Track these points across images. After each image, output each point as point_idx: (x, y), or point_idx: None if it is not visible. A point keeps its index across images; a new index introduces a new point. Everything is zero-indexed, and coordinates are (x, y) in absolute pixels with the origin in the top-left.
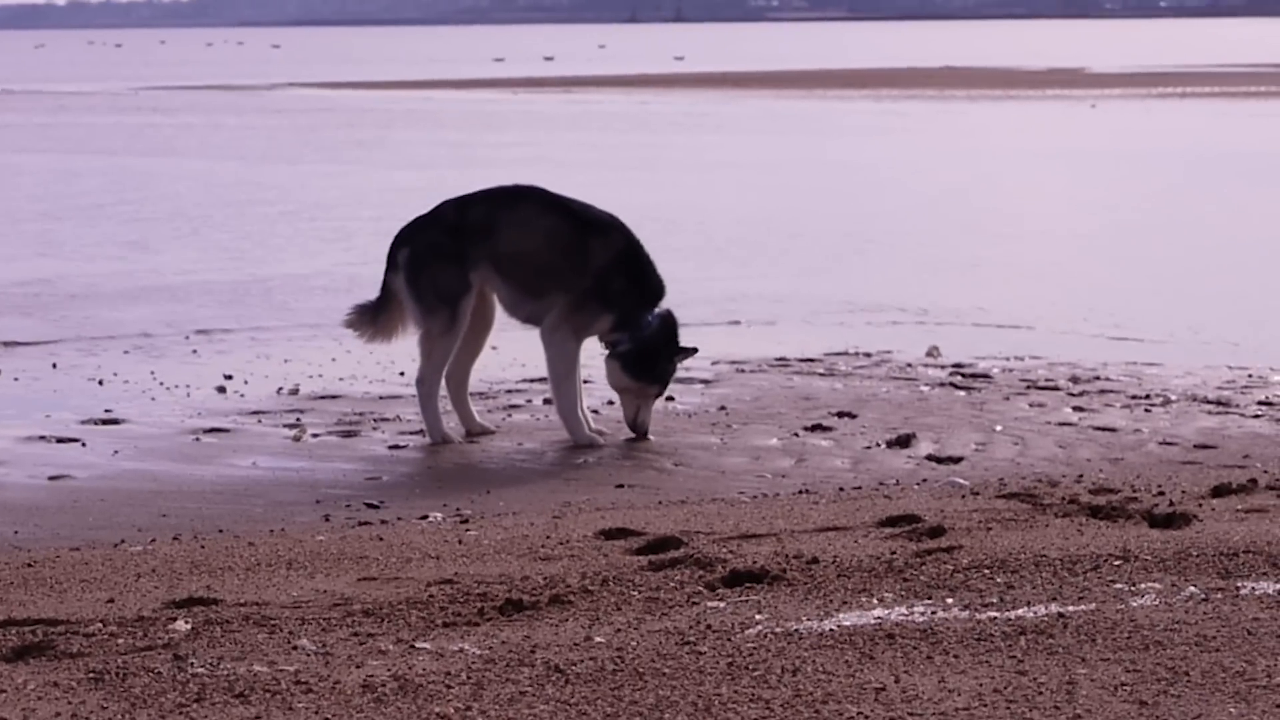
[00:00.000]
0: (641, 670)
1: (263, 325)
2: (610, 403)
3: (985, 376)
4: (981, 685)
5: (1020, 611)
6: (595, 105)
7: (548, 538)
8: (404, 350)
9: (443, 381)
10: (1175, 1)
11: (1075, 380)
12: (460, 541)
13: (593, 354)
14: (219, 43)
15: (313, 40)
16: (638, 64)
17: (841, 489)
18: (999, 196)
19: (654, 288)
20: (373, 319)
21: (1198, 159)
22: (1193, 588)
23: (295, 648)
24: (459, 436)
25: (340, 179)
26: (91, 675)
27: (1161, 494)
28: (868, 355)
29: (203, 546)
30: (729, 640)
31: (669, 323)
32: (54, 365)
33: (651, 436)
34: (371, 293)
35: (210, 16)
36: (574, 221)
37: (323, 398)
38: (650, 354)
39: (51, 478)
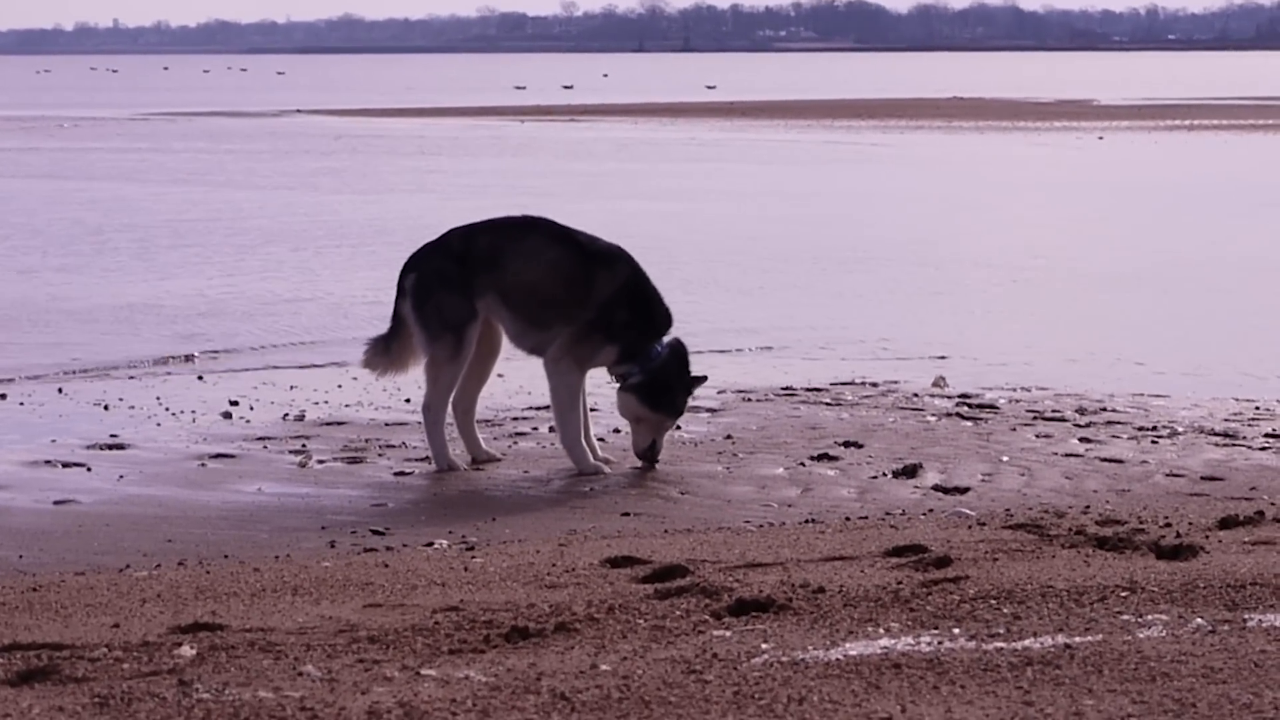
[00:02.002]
0: (647, 699)
1: (269, 348)
2: (616, 430)
3: (992, 407)
4: (988, 716)
5: (1027, 642)
6: (609, 132)
7: (554, 565)
8: (410, 377)
9: (449, 408)
10: (1184, 34)
11: (1082, 411)
12: (466, 568)
13: (599, 382)
14: (221, 70)
15: (318, 67)
16: (655, 93)
17: (848, 519)
18: (1006, 228)
19: (660, 319)
20: (385, 350)
21: (1205, 191)
22: (1200, 619)
23: (300, 674)
24: (464, 464)
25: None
26: (96, 700)
27: (1168, 525)
28: (874, 385)
29: (208, 572)
30: (735, 669)
31: (679, 352)
32: (59, 390)
33: (658, 465)
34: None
35: (219, 43)
36: (579, 253)
37: (329, 424)
38: (663, 384)
39: (57, 502)
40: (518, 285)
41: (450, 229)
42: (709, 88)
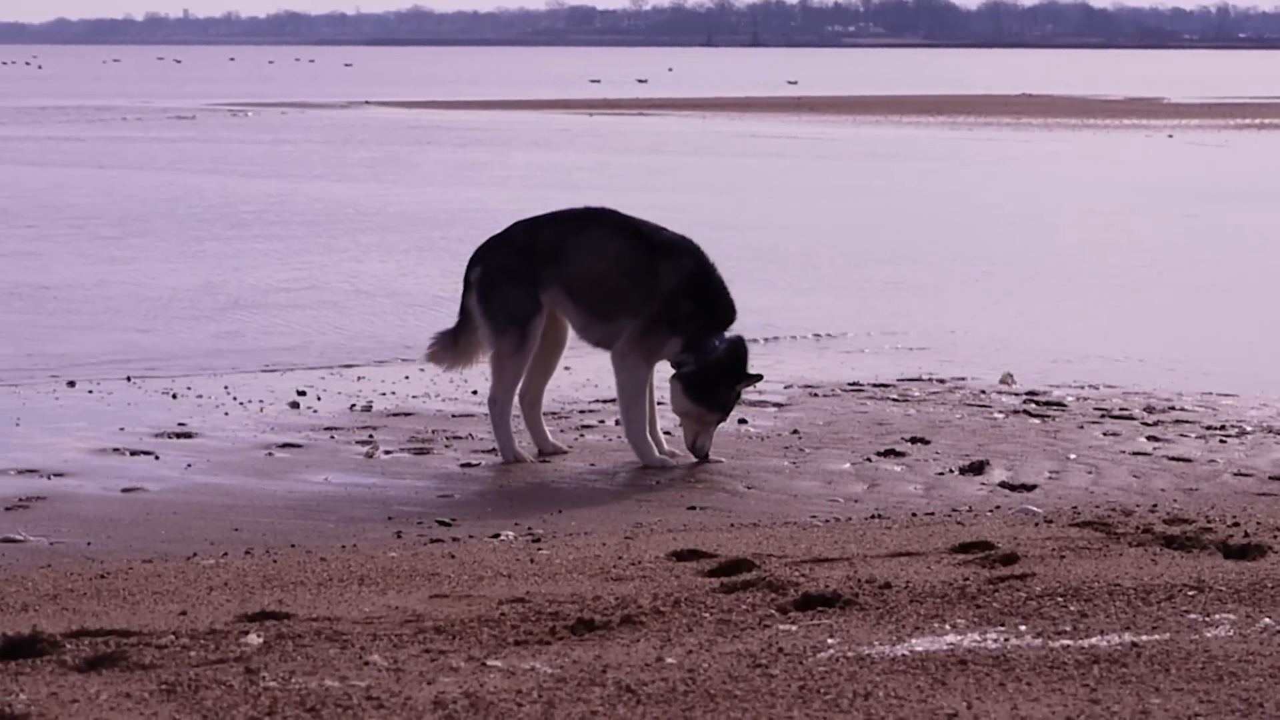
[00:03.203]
0: (713, 692)
1: (335, 342)
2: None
3: (1059, 405)
4: (1054, 713)
5: (1094, 640)
6: (675, 126)
7: (619, 558)
8: (477, 370)
9: (516, 401)
10: (1255, 32)
11: (1150, 410)
12: (532, 560)
13: (665, 374)
14: (287, 61)
15: (386, 59)
16: (726, 87)
17: (914, 514)
18: (1074, 226)
19: (724, 311)
20: (453, 345)
21: (1274, 190)
22: (1267, 619)
23: (367, 663)
24: (531, 456)
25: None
26: (164, 687)
27: (1236, 525)
28: (941, 381)
29: (275, 561)
30: (800, 664)
31: (736, 348)
32: (128, 378)
33: (722, 459)
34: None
35: (288, 34)
36: (643, 245)
37: (395, 415)
38: (711, 379)
39: (125, 490)
40: (582, 277)
41: (515, 222)
42: (790, 83)
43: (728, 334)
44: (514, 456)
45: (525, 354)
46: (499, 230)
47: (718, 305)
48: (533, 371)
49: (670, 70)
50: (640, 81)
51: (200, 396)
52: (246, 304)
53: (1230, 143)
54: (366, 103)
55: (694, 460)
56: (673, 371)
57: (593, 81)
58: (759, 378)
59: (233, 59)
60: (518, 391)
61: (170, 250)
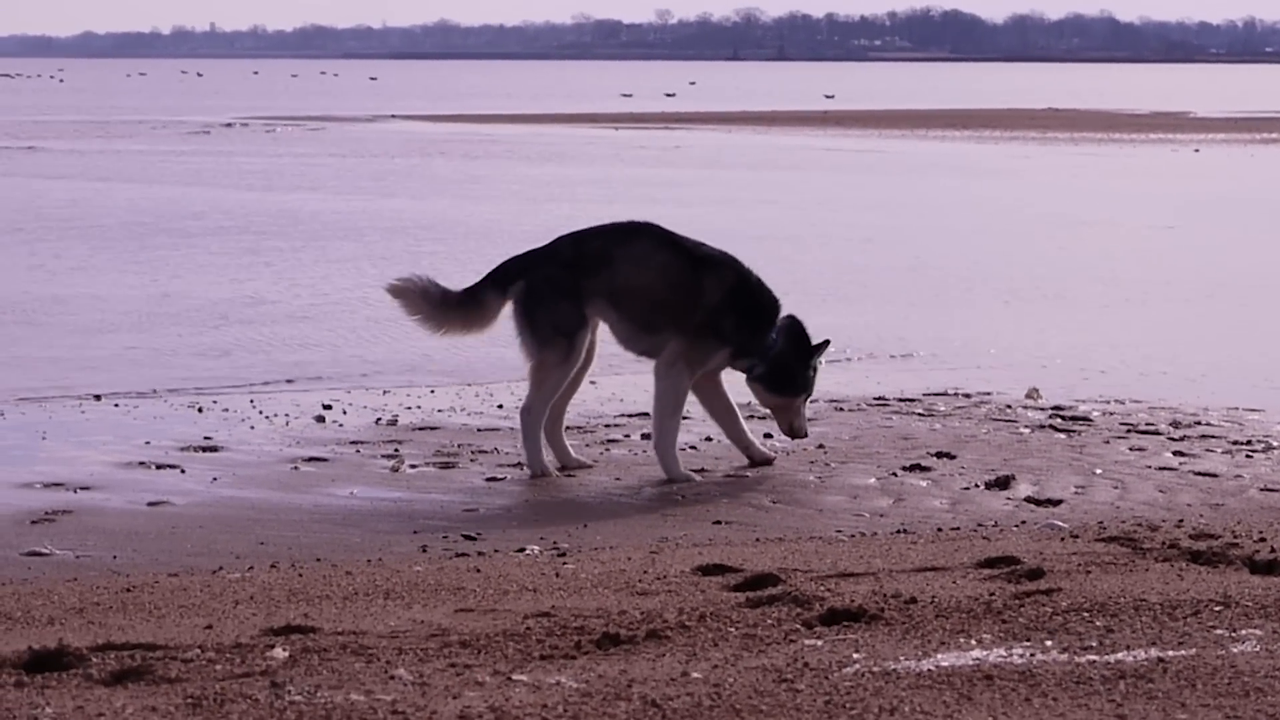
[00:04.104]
0: (738, 707)
1: (362, 356)
2: (709, 439)
3: (1085, 419)
4: None
5: (1120, 655)
6: (702, 139)
7: (645, 572)
8: (503, 383)
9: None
10: None
11: (1176, 425)
12: (557, 574)
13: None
14: (311, 75)
15: (411, 72)
16: (755, 101)
17: (940, 529)
18: (1098, 240)
19: (769, 311)
20: (438, 303)
21: None
22: None
23: (392, 677)
24: (555, 470)
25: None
26: (189, 701)
27: (1263, 540)
28: (967, 396)
29: (300, 575)
30: (826, 678)
31: (795, 331)
32: (153, 390)
33: (749, 474)
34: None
35: (315, 48)
36: (687, 258)
37: (421, 429)
38: (785, 368)
39: (151, 504)
40: (627, 290)
41: (560, 236)
42: (827, 97)
43: (780, 320)
44: (541, 470)
45: (570, 366)
46: (540, 244)
47: (762, 309)
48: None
49: (693, 84)
50: (668, 95)
51: (226, 410)
52: (252, 319)
53: (1257, 157)
54: (392, 116)
55: (720, 475)
56: (745, 377)
57: (624, 95)
58: (826, 344)
59: (256, 72)
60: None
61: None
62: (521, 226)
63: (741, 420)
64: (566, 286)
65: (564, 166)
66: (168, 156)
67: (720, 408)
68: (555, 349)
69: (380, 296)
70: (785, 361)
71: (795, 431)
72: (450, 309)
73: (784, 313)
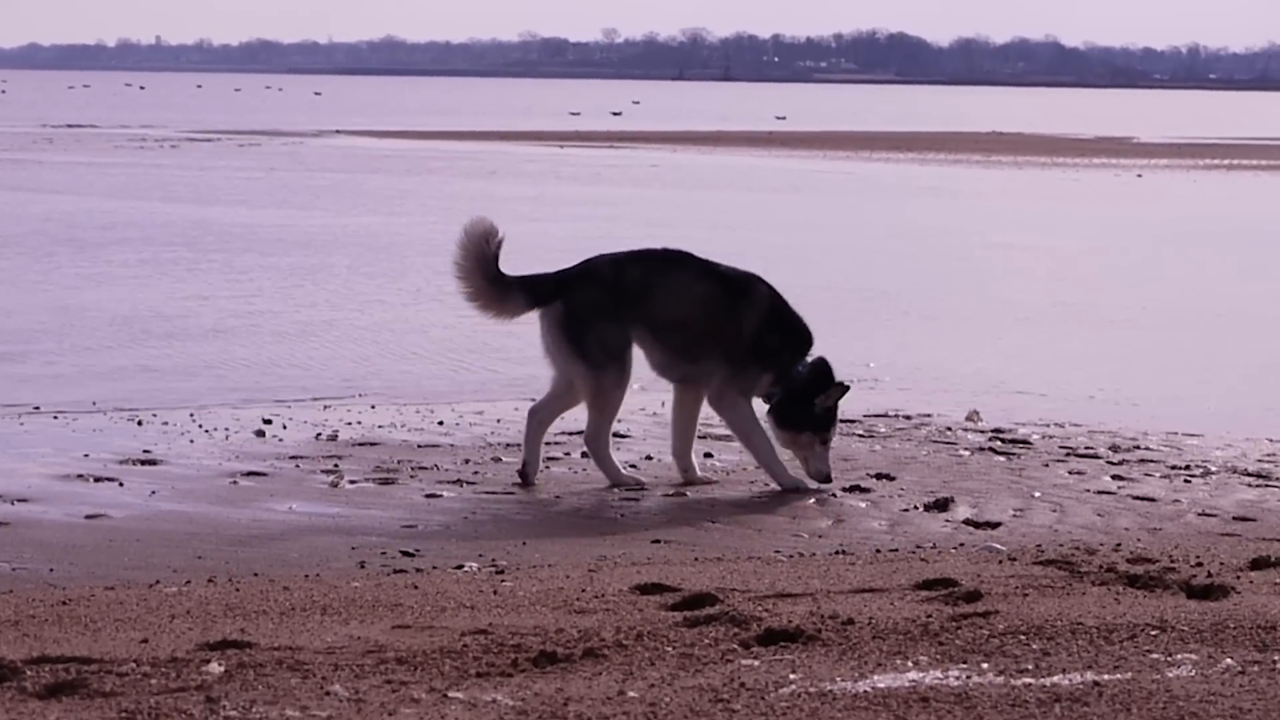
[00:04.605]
0: None
1: (300, 368)
2: (648, 457)
3: (1025, 443)
4: None
5: (1056, 679)
6: (641, 158)
7: (583, 591)
8: (443, 399)
9: (528, 415)
10: (1225, 74)
11: (1115, 449)
12: (495, 592)
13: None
14: (256, 89)
15: (356, 88)
16: (701, 121)
17: (878, 551)
18: (1039, 264)
19: (802, 337)
20: (483, 272)
21: (1241, 231)
22: (1229, 660)
23: (328, 693)
24: (644, 478)
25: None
26: (123, 715)
27: (1200, 565)
28: (907, 418)
29: (237, 589)
30: (763, 699)
31: (819, 369)
32: (93, 403)
33: (688, 493)
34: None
35: (260, 62)
36: (724, 287)
37: (361, 444)
38: (794, 403)
39: (88, 516)
40: (668, 320)
41: (594, 257)
42: (779, 118)
43: (809, 358)
44: (633, 482)
45: (624, 385)
46: (576, 263)
47: (797, 334)
48: (557, 395)
49: (636, 103)
50: (614, 114)
51: (166, 424)
52: (171, 332)
53: (1199, 182)
54: (337, 132)
55: (660, 494)
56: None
57: (573, 114)
58: (840, 388)
59: (200, 86)
60: (533, 405)
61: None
62: (431, 241)
63: (693, 442)
64: (609, 310)
65: (497, 183)
66: (99, 169)
67: (683, 421)
68: (609, 373)
69: (281, 310)
70: (798, 396)
71: (816, 474)
72: (487, 277)
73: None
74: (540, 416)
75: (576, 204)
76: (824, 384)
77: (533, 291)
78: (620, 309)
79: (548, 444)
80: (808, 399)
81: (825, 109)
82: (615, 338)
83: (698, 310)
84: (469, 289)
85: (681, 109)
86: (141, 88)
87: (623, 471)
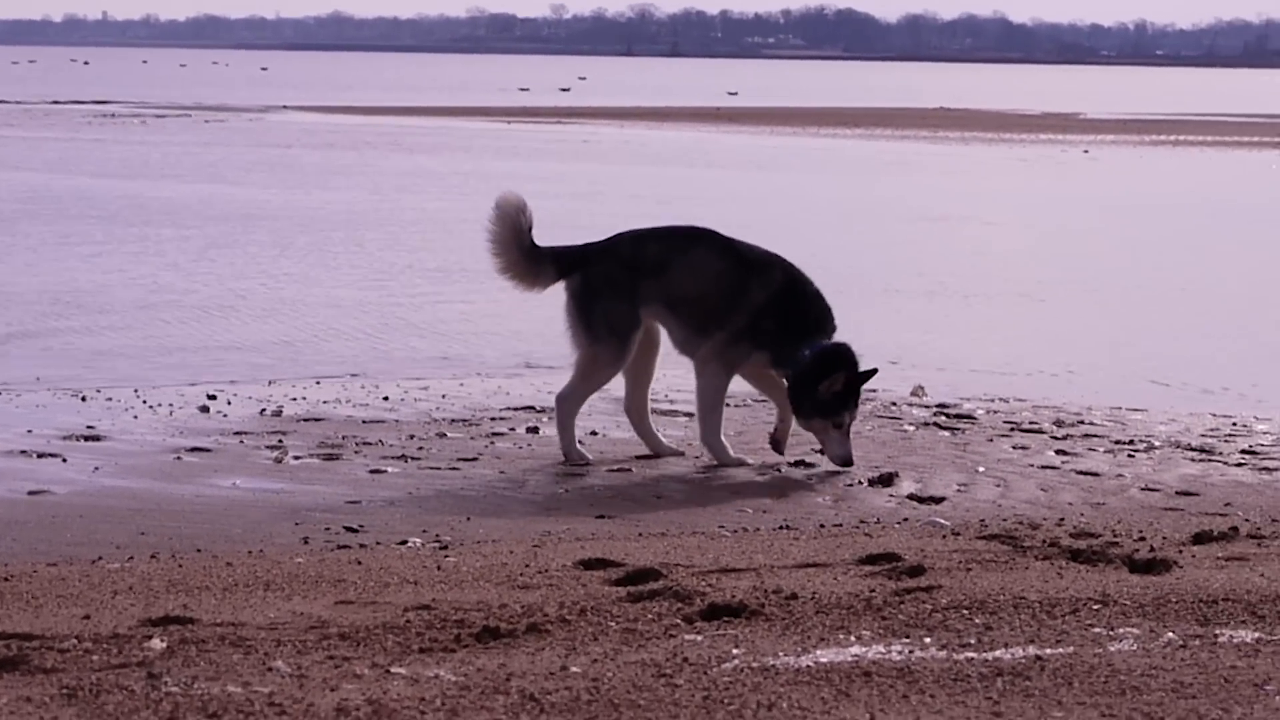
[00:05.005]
0: (617, 701)
1: (246, 346)
2: (593, 433)
3: (969, 418)
4: None
5: (998, 653)
6: (587, 134)
7: (527, 566)
8: (388, 376)
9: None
10: (1171, 50)
11: (1059, 424)
12: (439, 568)
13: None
14: (202, 64)
15: (303, 64)
16: (647, 97)
17: (822, 526)
18: (985, 240)
19: (814, 323)
20: (515, 244)
21: (1186, 206)
22: (1171, 634)
23: (270, 669)
24: (590, 456)
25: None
26: (65, 691)
27: (1142, 540)
28: None
29: (180, 565)
30: (705, 674)
31: (826, 354)
32: (37, 379)
33: (633, 470)
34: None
35: (207, 38)
36: (738, 263)
37: (305, 420)
38: (799, 387)
39: (31, 493)
40: (683, 295)
41: (619, 233)
42: (730, 94)
43: (825, 342)
44: (578, 457)
45: (619, 366)
46: (600, 239)
47: (806, 319)
48: (636, 382)
49: (583, 79)
50: (563, 90)
51: (110, 400)
52: (111, 309)
53: (1145, 158)
54: (284, 107)
55: (604, 469)
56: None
57: (522, 90)
58: (842, 375)
59: (145, 61)
60: (625, 405)
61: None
62: (352, 214)
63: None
64: (624, 286)
65: (435, 157)
66: (34, 143)
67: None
68: (608, 348)
69: (194, 285)
70: (805, 380)
71: (832, 457)
72: (521, 250)
73: (836, 334)
74: (637, 407)
75: (512, 179)
76: (829, 370)
77: (560, 263)
78: (636, 285)
79: (493, 419)
80: (811, 384)
81: (776, 85)
82: (623, 316)
83: (711, 286)
84: (503, 262)
85: (631, 85)
86: (86, 63)
87: (576, 445)
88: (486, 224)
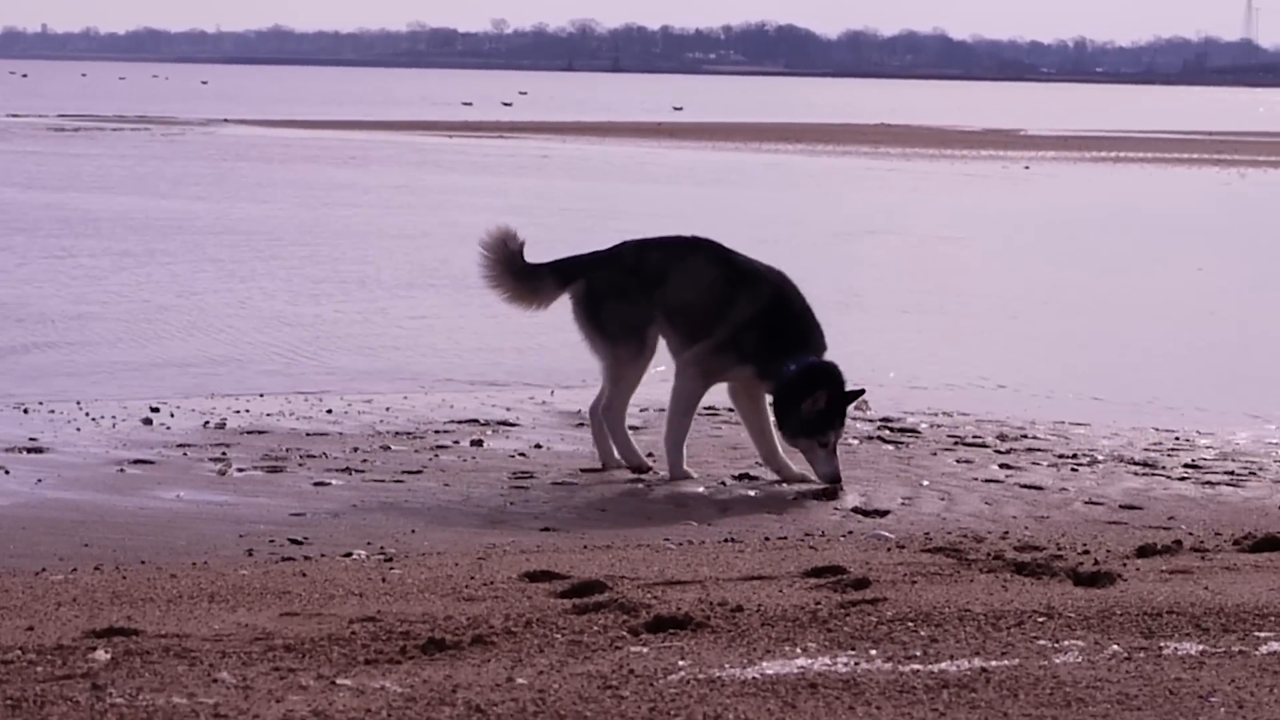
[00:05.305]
0: (563, 713)
1: (184, 360)
2: (537, 445)
3: (913, 431)
4: None
5: (943, 665)
6: (529, 149)
7: (472, 578)
8: (334, 389)
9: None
10: (1111, 67)
11: (1003, 438)
12: (384, 579)
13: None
14: (142, 77)
15: (244, 77)
16: (591, 112)
17: (767, 539)
18: (927, 255)
19: (801, 339)
20: (507, 265)
21: (1127, 222)
22: (1115, 646)
23: (215, 681)
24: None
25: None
26: (9, 703)
27: (1086, 553)
28: None
29: (124, 577)
30: (651, 685)
31: (808, 373)
32: None
33: (578, 481)
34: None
35: (147, 51)
36: (730, 274)
37: (249, 432)
38: (781, 404)
39: None
40: (678, 304)
41: (623, 241)
42: (676, 109)
43: (812, 359)
44: (639, 465)
45: (645, 360)
46: (602, 247)
47: (791, 335)
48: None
49: (523, 94)
50: (505, 105)
51: (52, 412)
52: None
53: (1085, 175)
54: (225, 120)
55: (549, 481)
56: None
57: (465, 104)
58: (824, 394)
59: (84, 74)
60: (592, 405)
61: None
62: (268, 227)
63: (774, 438)
64: (630, 291)
65: (364, 171)
66: None
67: (755, 421)
68: (627, 346)
69: (123, 298)
70: (786, 396)
71: (818, 476)
72: (516, 275)
73: (825, 353)
74: (619, 406)
75: (444, 192)
76: (812, 387)
77: (560, 274)
78: (640, 292)
79: (438, 432)
80: (794, 401)
81: (719, 100)
82: (634, 314)
83: (702, 295)
84: (504, 293)
85: (572, 100)
86: (24, 75)
87: (636, 449)
88: (478, 261)
